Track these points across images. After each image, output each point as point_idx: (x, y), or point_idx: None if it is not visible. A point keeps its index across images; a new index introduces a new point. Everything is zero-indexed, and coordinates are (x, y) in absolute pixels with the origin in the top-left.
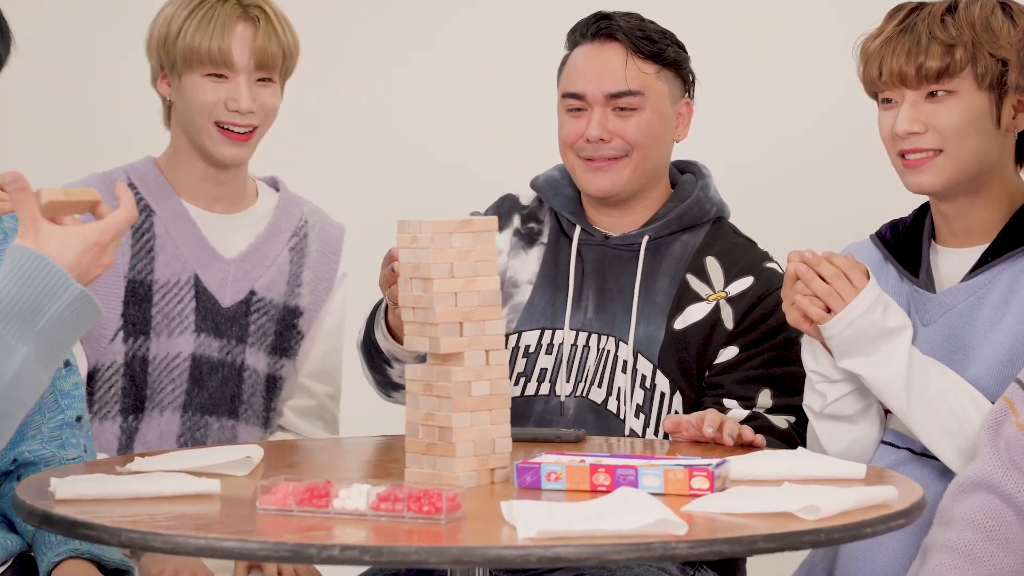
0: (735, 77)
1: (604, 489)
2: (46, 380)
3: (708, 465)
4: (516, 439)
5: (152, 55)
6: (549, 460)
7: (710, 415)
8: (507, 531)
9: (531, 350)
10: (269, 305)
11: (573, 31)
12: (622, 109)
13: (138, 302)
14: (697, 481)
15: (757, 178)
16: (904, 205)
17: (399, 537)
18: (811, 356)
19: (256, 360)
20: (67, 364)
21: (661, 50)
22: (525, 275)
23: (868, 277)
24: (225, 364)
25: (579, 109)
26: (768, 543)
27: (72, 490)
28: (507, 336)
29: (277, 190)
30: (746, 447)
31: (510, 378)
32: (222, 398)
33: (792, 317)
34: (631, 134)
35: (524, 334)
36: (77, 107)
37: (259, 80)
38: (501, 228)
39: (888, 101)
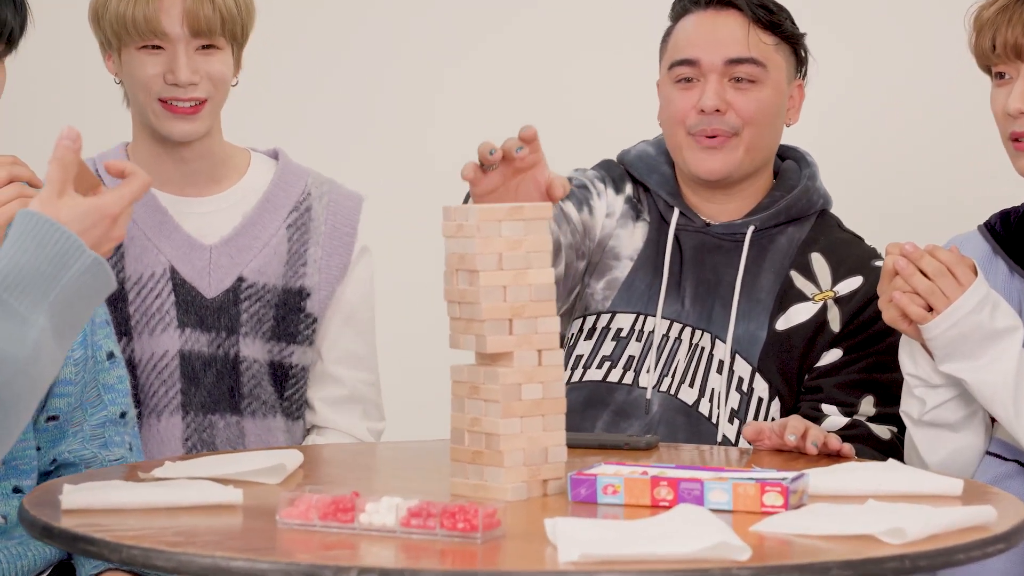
0: (834, 56)
1: (666, 504)
2: (61, 358)
3: (783, 480)
4: (582, 445)
5: (94, 33)
6: (607, 472)
7: (792, 421)
8: (550, 552)
9: (623, 334)
10: (263, 290)
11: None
12: (739, 80)
13: (112, 301)
14: (770, 497)
15: (851, 163)
16: (1018, 192)
17: (429, 557)
18: (909, 358)
19: (253, 350)
20: (111, 356)
21: (780, 21)
22: (627, 249)
23: (975, 273)
24: (217, 358)
25: (689, 80)
26: (844, 570)
27: (81, 499)
28: (599, 314)
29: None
30: (833, 457)
31: (594, 359)
32: (221, 394)
33: (889, 315)
34: (748, 109)
35: (618, 316)
36: (72, 88)
37: (201, 48)
38: (617, 190)
39: (1002, 76)
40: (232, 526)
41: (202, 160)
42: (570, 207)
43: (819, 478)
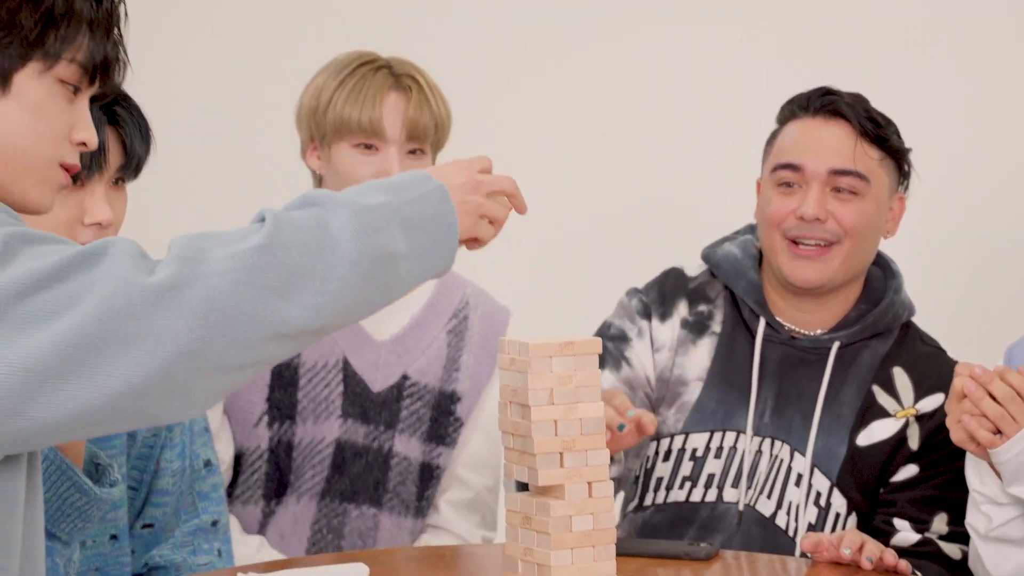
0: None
1: None
2: (386, 255)
3: None
4: (645, 554)
5: (302, 127)
6: None
7: (849, 535)
8: None
9: (698, 453)
10: (424, 390)
11: (790, 103)
12: (840, 191)
13: (284, 386)
14: None
15: (932, 257)
16: None
17: None
18: (976, 475)
19: (408, 447)
20: (207, 464)
21: (887, 136)
22: (694, 371)
23: None
24: (370, 450)
25: (790, 185)
26: None
27: None
28: (672, 436)
29: None
30: (890, 573)
31: (675, 480)
32: (364, 485)
33: (957, 436)
34: (848, 220)
35: (691, 436)
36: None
37: (410, 152)
38: (663, 317)
39: None
40: None
41: None
42: (608, 375)
43: None
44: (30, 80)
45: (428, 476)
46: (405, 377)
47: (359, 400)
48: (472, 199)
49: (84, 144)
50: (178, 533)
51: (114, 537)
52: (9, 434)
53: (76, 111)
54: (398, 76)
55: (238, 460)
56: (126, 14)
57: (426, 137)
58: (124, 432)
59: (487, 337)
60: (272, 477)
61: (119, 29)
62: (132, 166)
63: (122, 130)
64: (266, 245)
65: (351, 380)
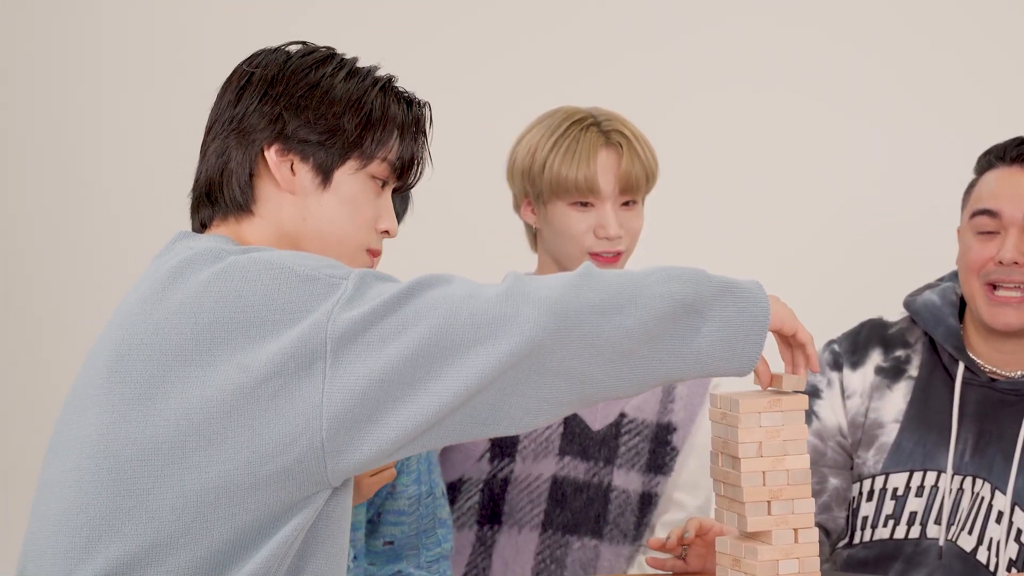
0: None
1: None
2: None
3: None
4: None
5: (515, 183)
6: None
7: None
8: None
9: (899, 492)
10: (641, 425)
11: (987, 154)
12: None
13: None
14: None
15: None
16: None
17: None
18: None
19: (627, 480)
20: (444, 493)
21: None
22: (890, 414)
23: None
24: (591, 485)
25: (989, 233)
26: None
27: None
28: (873, 477)
29: None
30: None
31: (879, 518)
32: (586, 518)
33: None
34: None
35: (891, 476)
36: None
37: (623, 204)
38: (855, 366)
39: None
40: None
41: None
42: (811, 437)
43: None
44: (348, 176)
45: (647, 504)
46: (623, 415)
47: (577, 439)
48: (787, 308)
49: (387, 232)
50: (423, 555)
51: (354, 558)
52: (369, 444)
53: (381, 203)
54: (607, 132)
55: (454, 487)
56: (431, 120)
57: (639, 189)
58: (475, 439)
59: None
60: (486, 506)
61: (425, 133)
62: None
63: None
64: (585, 275)
65: (571, 421)
